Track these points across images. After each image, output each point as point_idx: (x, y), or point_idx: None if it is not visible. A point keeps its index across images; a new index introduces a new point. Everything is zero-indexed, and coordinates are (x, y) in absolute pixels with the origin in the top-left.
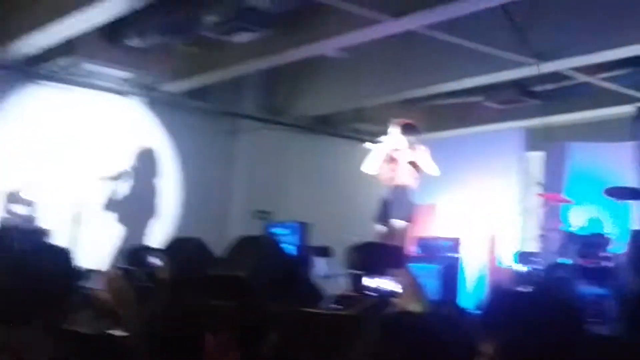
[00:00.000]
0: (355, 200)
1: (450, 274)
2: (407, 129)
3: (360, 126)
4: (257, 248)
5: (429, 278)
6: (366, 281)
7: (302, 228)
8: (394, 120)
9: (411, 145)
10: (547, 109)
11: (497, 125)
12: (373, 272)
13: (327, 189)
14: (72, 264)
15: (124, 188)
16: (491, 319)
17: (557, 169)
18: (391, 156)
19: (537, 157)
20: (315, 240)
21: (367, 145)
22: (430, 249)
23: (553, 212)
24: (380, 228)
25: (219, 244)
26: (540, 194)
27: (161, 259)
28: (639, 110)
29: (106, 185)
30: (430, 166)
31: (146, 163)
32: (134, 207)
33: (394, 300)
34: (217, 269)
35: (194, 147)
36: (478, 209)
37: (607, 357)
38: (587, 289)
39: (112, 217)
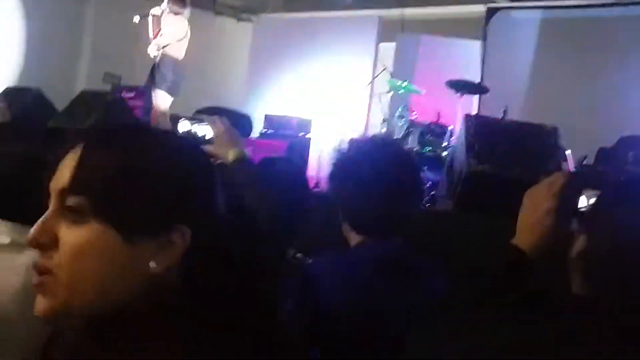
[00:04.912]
0: (209, 72)
1: (299, 152)
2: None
3: None
4: (102, 104)
5: (277, 154)
6: (181, 125)
7: (148, 92)
8: None
9: (175, 16)
10: (402, 1)
11: (353, 12)
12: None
13: None
14: None
15: None
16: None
17: (408, 59)
18: (158, 24)
19: (389, 47)
20: None
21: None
22: (279, 127)
23: (400, 99)
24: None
25: (64, 100)
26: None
27: None
28: (489, 11)
29: None
30: (170, 34)
31: None
32: None
33: (208, 146)
34: (58, 122)
35: None
36: (329, 90)
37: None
38: (426, 176)
39: None
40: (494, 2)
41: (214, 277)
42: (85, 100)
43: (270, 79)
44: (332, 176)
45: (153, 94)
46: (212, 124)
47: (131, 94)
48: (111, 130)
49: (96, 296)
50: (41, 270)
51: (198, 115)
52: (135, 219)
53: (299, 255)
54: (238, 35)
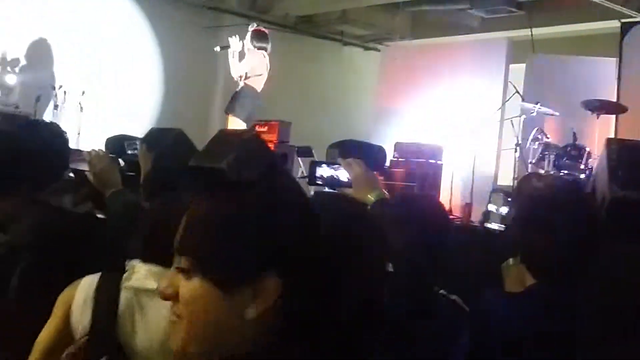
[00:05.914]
0: (337, 102)
1: (431, 179)
2: (257, 36)
3: (344, 28)
4: (239, 142)
5: (409, 182)
6: (320, 170)
7: (284, 127)
8: (251, 26)
9: (258, 51)
10: (531, 21)
11: (482, 35)
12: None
13: (309, 90)
14: (63, 142)
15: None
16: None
17: (539, 80)
18: (241, 57)
19: (519, 69)
20: (297, 141)
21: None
22: (410, 154)
23: (533, 122)
24: (234, 121)
25: (200, 139)
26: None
27: (142, 148)
28: (624, 25)
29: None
30: (251, 67)
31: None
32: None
33: (348, 190)
34: (198, 161)
35: (175, 40)
36: (459, 115)
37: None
38: None
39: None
40: (630, 17)
41: (311, 316)
42: (223, 139)
43: (399, 106)
44: (516, 218)
45: (230, 121)
46: (349, 168)
47: (264, 128)
48: (213, 189)
49: (207, 342)
50: (174, 314)
51: (332, 150)
52: (231, 274)
53: (442, 292)
54: (366, 64)
